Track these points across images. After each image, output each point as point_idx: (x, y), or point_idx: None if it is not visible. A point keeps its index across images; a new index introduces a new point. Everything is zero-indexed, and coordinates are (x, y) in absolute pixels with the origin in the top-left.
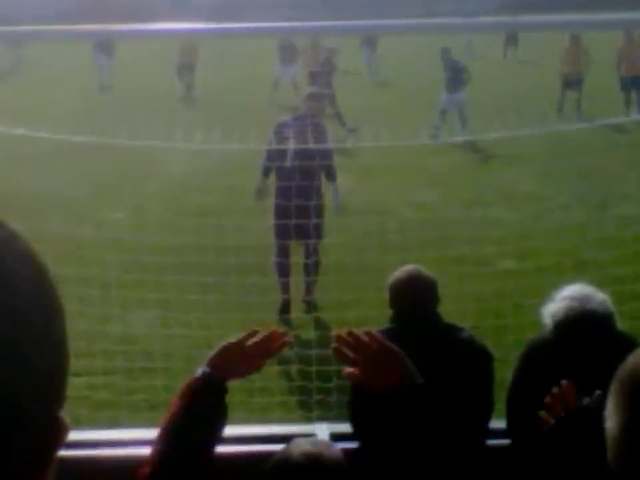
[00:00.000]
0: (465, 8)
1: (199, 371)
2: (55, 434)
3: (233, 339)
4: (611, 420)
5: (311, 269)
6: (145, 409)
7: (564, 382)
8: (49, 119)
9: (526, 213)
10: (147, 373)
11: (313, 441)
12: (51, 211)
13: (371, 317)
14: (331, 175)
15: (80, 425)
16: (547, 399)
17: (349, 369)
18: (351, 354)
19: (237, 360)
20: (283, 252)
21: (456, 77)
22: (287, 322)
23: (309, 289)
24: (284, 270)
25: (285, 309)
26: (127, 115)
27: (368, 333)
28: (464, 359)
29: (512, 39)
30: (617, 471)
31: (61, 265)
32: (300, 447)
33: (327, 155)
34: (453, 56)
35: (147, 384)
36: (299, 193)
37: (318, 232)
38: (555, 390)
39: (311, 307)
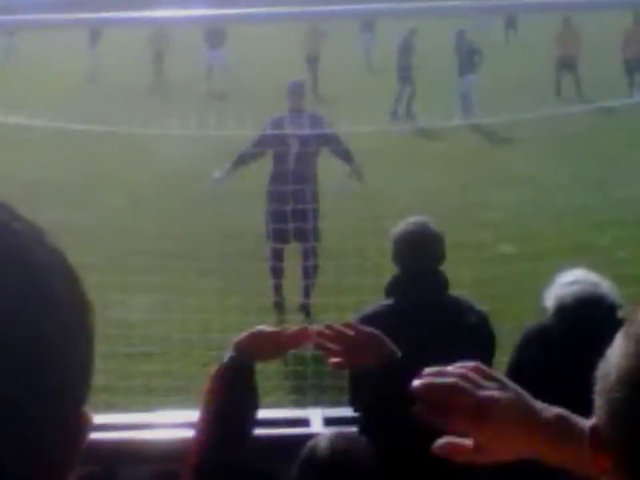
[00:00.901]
0: None
1: (227, 355)
2: (82, 428)
3: (265, 327)
4: (614, 374)
5: (310, 273)
6: (142, 393)
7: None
8: (45, 106)
9: (525, 196)
10: (145, 357)
11: (340, 435)
12: (50, 198)
13: (369, 302)
14: (350, 158)
15: None
16: None
17: (332, 359)
18: (331, 345)
19: (262, 346)
20: (277, 255)
21: (469, 59)
22: (282, 305)
23: (306, 292)
24: (277, 272)
25: (276, 310)
26: (118, 102)
27: (344, 324)
28: (462, 336)
29: (511, 22)
30: (614, 434)
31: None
32: (326, 443)
33: (337, 140)
34: (468, 38)
35: (145, 368)
36: (296, 196)
37: (316, 235)
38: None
39: (308, 311)
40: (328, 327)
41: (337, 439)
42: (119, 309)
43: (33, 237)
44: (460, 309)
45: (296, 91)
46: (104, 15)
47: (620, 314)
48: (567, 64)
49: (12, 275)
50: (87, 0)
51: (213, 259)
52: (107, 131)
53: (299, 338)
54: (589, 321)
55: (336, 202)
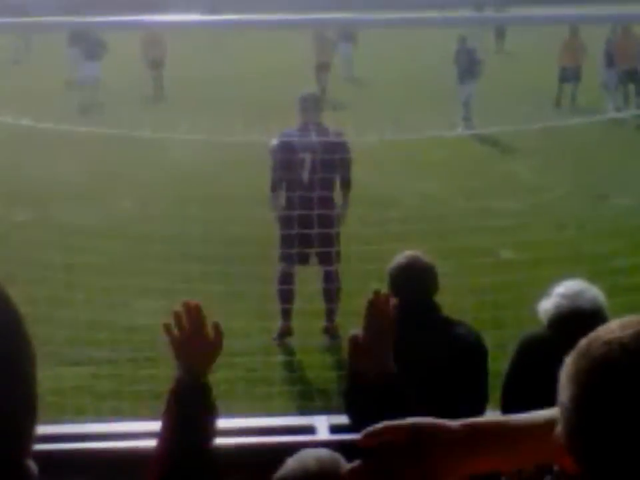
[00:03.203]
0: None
1: (175, 376)
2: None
3: (169, 334)
4: (565, 391)
5: (333, 295)
6: (149, 399)
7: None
8: (53, 108)
9: (526, 204)
10: (150, 362)
11: (318, 457)
12: (59, 199)
13: None
14: (346, 185)
15: (83, 414)
16: None
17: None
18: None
19: (196, 348)
20: (288, 278)
21: (470, 67)
22: (288, 312)
23: (330, 316)
24: (287, 296)
25: (284, 335)
26: (126, 106)
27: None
28: (458, 352)
29: (500, 32)
30: (569, 442)
31: (67, 253)
32: (304, 465)
33: (347, 167)
34: (468, 46)
35: (151, 373)
36: (309, 220)
37: (338, 257)
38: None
39: (334, 334)
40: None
41: (312, 461)
42: (124, 313)
43: None
44: (453, 328)
45: (309, 104)
46: (110, 18)
47: (602, 320)
48: (570, 75)
49: None
50: (98, 2)
51: (219, 264)
52: (116, 133)
53: (196, 318)
54: (579, 334)
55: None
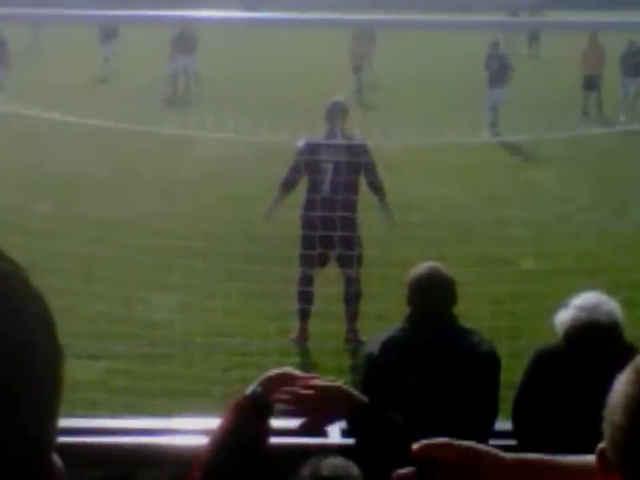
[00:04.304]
0: (502, 3)
1: (251, 388)
2: (50, 476)
3: (298, 372)
4: (619, 408)
5: (352, 299)
6: (162, 396)
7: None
8: (76, 102)
9: (547, 214)
10: (166, 359)
11: (331, 464)
12: (82, 193)
13: (391, 311)
14: (382, 193)
15: (97, 409)
16: None
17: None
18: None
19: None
20: (308, 280)
21: (500, 73)
22: (306, 314)
23: (351, 320)
24: (306, 299)
25: (301, 337)
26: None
27: (304, 386)
28: (471, 362)
29: (533, 37)
30: (621, 462)
31: (89, 246)
32: (317, 472)
33: (373, 171)
34: (500, 51)
35: (166, 370)
36: (332, 223)
37: (360, 261)
38: None
39: (356, 338)
40: (287, 392)
41: (325, 467)
42: (142, 307)
43: (17, 279)
44: (466, 337)
45: (337, 112)
46: (131, 12)
47: (618, 333)
48: (592, 83)
49: None
50: None
51: (239, 262)
52: (140, 129)
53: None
54: (601, 345)
55: (364, 210)
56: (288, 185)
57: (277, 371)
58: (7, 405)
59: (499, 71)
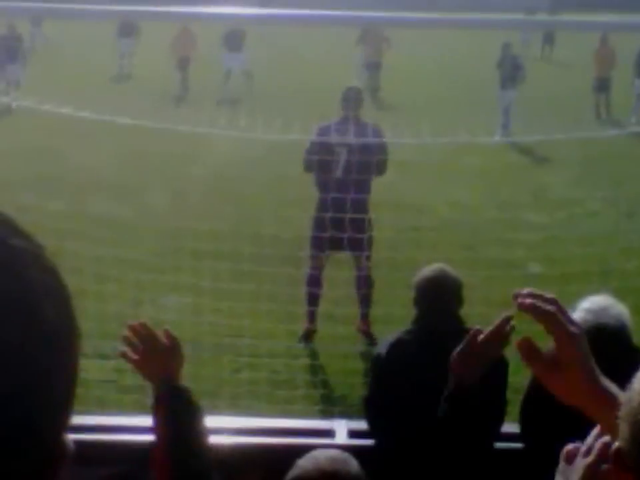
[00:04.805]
0: (520, 4)
1: (153, 393)
2: (60, 456)
3: (129, 360)
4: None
5: (364, 284)
6: None
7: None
8: (89, 99)
9: (556, 218)
10: None
11: (330, 457)
12: (92, 191)
13: (398, 314)
14: (383, 171)
15: (106, 408)
16: None
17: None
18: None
19: (156, 361)
20: (317, 265)
21: (513, 73)
22: (313, 315)
23: (365, 303)
24: (315, 282)
25: (308, 337)
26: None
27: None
28: None
29: (549, 38)
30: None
31: (99, 245)
32: (317, 464)
33: (384, 151)
34: (512, 52)
35: None
36: (343, 205)
37: (370, 243)
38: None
39: (369, 334)
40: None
41: (325, 460)
42: (151, 307)
43: (30, 255)
44: None
45: (351, 98)
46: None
47: (625, 337)
48: (603, 85)
49: (2, 295)
50: None
51: (249, 263)
52: (155, 127)
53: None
54: (608, 348)
55: (374, 212)
56: (309, 165)
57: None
58: (14, 376)
59: (511, 71)
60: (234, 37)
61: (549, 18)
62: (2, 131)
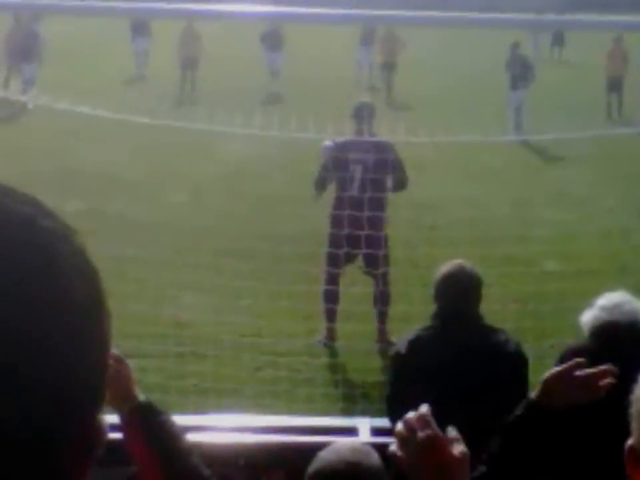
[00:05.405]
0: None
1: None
2: (96, 437)
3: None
4: None
5: (380, 300)
6: (194, 394)
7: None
8: (106, 98)
9: (572, 215)
10: (196, 358)
11: (352, 448)
12: (113, 191)
13: (416, 312)
14: (400, 186)
15: None
16: None
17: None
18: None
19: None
20: (333, 280)
21: (522, 73)
22: (332, 312)
23: (380, 322)
24: (332, 298)
25: (329, 337)
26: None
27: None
28: (497, 361)
29: (558, 39)
30: None
31: (118, 244)
32: (339, 455)
33: (400, 167)
34: (521, 52)
35: (197, 369)
36: (359, 222)
37: (387, 261)
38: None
39: (386, 340)
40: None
41: (347, 451)
42: (171, 307)
43: (60, 236)
44: (493, 336)
45: (363, 114)
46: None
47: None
48: (616, 84)
49: (33, 274)
50: None
51: (267, 261)
52: (172, 126)
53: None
54: (621, 345)
55: (391, 210)
56: (321, 183)
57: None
58: (42, 357)
59: (520, 71)
60: (273, 35)
61: (560, 18)
62: (19, 129)
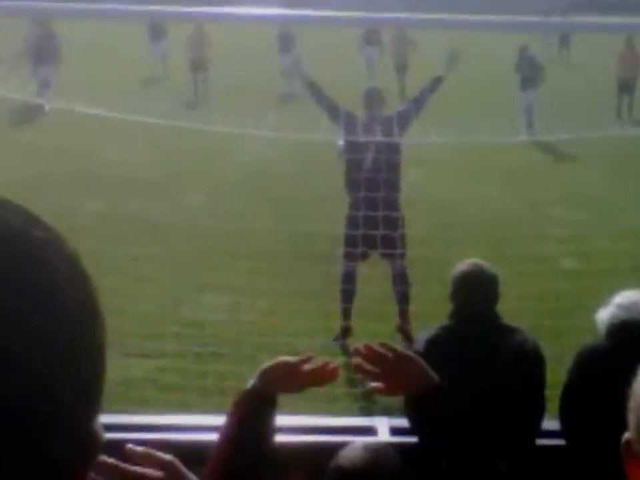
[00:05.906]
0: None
1: (250, 382)
2: (94, 439)
3: (290, 359)
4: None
5: (400, 282)
6: (215, 394)
7: None
8: (124, 99)
9: (586, 214)
10: (216, 357)
11: (372, 447)
12: (130, 192)
13: (432, 311)
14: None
15: (148, 406)
16: None
17: (374, 384)
18: (370, 367)
19: (287, 378)
20: (350, 278)
21: (532, 74)
22: (348, 312)
23: (400, 305)
24: (348, 296)
25: (344, 334)
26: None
27: (383, 344)
28: (515, 360)
29: (565, 40)
30: None
31: (136, 245)
32: (359, 454)
33: (406, 110)
34: (529, 53)
35: (216, 369)
36: (374, 203)
37: (402, 240)
38: None
39: (407, 335)
40: (366, 347)
41: (365, 450)
42: (190, 307)
43: (52, 245)
44: (511, 335)
45: (372, 97)
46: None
47: None
48: (627, 86)
49: (26, 284)
50: None
51: (285, 261)
52: (189, 127)
53: (321, 376)
54: (633, 344)
55: (406, 210)
56: (321, 94)
57: (271, 362)
58: (37, 365)
59: (529, 72)
60: (285, 38)
61: (567, 20)
62: (39, 130)
